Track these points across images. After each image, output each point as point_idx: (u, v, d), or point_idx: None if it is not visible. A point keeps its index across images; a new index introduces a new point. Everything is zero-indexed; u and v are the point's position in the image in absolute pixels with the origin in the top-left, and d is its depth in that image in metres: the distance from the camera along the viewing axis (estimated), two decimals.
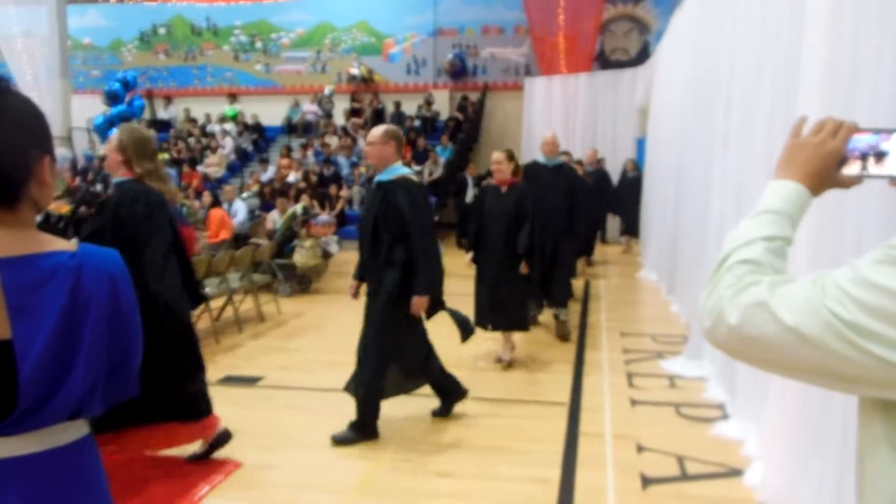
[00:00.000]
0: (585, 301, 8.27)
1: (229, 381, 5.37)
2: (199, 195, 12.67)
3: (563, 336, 6.50)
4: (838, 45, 2.91)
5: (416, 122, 16.20)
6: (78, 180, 15.10)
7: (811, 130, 1.14)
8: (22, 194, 1.23)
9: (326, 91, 17.10)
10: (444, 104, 16.89)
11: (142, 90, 17.91)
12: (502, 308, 5.59)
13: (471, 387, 5.16)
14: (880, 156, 1.07)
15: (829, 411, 2.88)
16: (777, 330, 0.94)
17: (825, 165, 1.11)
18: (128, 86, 16.65)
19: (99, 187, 14.62)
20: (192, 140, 16.77)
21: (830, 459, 2.86)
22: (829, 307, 0.91)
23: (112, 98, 16.52)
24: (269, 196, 11.67)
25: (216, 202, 10.79)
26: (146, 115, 18.10)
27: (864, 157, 1.08)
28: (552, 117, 15.27)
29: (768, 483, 3.41)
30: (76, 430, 1.28)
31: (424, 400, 4.91)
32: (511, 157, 5.71)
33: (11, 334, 1.16)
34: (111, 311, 1.26)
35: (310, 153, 15.33)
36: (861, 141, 1.09)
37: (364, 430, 4.23)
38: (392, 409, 4.69)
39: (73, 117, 17.75)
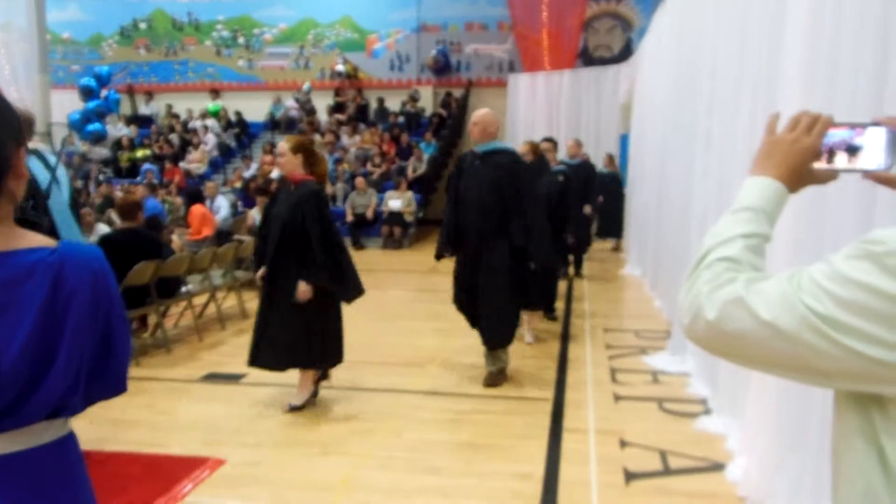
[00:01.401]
0: (569, 297, 8.30)
1: (212, 378, 5.35)
2: (181, 192, 12.60)
3: (490, 382, 5.09)
4: (818, 43, 2.95)
5: (401, 119, 16.17)
6: None
7: (786, 126, 1.14)
8: (2, 187, 1.20)
9: (305, 88, 16.99)
10: (428, 100, 16.88)
11: (122, 86, 17.75)
12: (268, 340, 4.48)
13: (455, 383, 5.19)
14: (854, 150, 1.08)
15: (809, 407, 2.91)
16: (754, 325, 0.95)
17: (801, 162, 1.12)
18: (102, 81, 16.48)
19: (79, 183, 14.46)
20: (174, 136, 16.63)
21: (809, 454, 2.90)
22: (804, 302, 0.92)
23: (87, 93, 16.35)
24: (253, 192, 11.63)
25: (198, 198, 10.71)
26: (127, 110, 17.95)
27: (839, 151, 1.10)
28: (536, 114, 15.32)
29: (749, 477, 3.44)
30: (58, 429, 1.28)
31: (409, 396, 4.92)
32: (298, 148, 4.44)
33: None
34: (93, 308, 1.24)
35: None
36: (836, 136, 1.10)
37: None
38: (377, 405, 4.69)
39: (53, 113, 17.53)
